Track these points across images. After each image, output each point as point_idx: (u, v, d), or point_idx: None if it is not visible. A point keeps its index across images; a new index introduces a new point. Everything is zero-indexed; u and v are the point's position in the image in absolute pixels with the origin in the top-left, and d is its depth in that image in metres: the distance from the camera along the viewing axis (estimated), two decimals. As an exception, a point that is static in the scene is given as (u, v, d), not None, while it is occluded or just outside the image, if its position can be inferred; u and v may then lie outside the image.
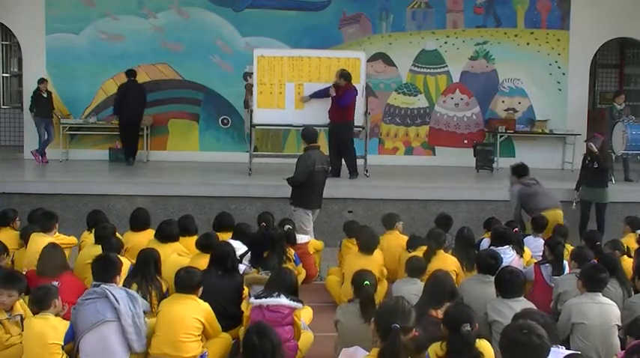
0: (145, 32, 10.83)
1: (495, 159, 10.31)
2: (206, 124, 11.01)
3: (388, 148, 11.24)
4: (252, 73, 9.42)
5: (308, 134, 6.98)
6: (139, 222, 5.93)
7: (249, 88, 10.07)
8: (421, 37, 11.14)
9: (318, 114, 8.92)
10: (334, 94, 8.78)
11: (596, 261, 4.87)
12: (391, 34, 11.12)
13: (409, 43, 11.12)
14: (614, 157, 9.24)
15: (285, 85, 9.15)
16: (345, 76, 8.77)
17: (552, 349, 2.98)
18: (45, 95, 10.16)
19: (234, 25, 10.89)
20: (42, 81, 10.18)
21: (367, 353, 3.30)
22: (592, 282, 4.28)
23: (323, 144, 10.15)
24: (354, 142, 9.05)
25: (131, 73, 10.05)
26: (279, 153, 10.51)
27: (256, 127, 9.42)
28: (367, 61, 9.90)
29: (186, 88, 10.93)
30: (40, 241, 5.16)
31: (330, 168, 8.79)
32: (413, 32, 11.13)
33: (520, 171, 7.42)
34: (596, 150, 7.79)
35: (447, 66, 11.17)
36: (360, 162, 9.12)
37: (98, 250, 4.98)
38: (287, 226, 6.09)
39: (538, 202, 6.94)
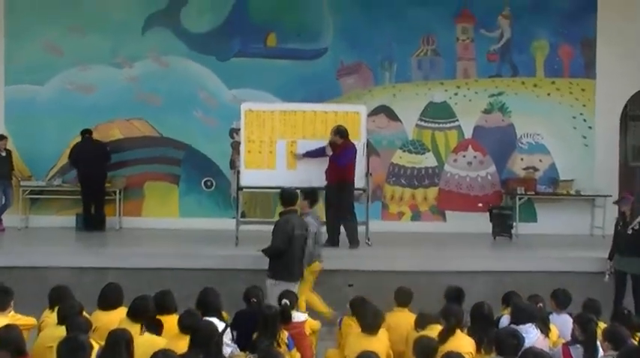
0: (118, 83, 11.05)
1: (514, 224, 10.38)
2: (187, 187, 11.16)
3: (393, 213, 11.35)
4: (239, 130, 9.60)
5: (285, 196, 7.05)
6: (109, 299, 5.85)
7: (235, 146, 10.27)
8: (428, 88, 11.38)
9: (313, 175, 9.04)
10: (331, 153, 8.92)
11: (636, 341, 4.81)
12: (395, 85, 11.38)
13: (415, 94, 11.36)
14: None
15: (277, 143, 9.31)
16: (341, 132, 8.92)
17: None
18: (3, 154, 10.29)
19: (219, 76, 11.14)
20: (0, 138, 10.31)
21: None
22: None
23: (319, 208, 10.25)
24: (354, 207, 9.10)
25: (86, 131, 10.38)
26: (269, 220, 10.30)
27: (244, 190, 9.52)
28: (368, 116, 10.10)
29: (164, 145, 11.11)
30: (-8, 322, 5.07)
31: (327, 236, 8.90)
32: (419, 83, 11.38)
33: None
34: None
35: (457, 120, 11.39)
36: (361, 229, 9.17)
37: (62, 331, 4.89)
38: (284, 301, 6.04)
39: None
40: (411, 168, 11.39)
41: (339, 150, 8.88)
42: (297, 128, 9.38)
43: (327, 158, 8.97)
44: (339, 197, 8.91)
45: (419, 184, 11.39)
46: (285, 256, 6.80)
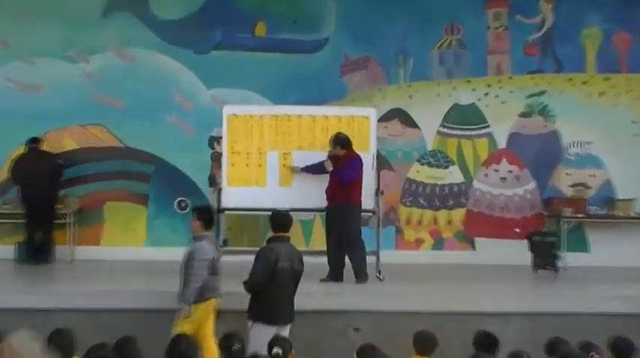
0: (72, 81, 11.11)
1: (560, 254, 10.40)
2: (157, 209, 11.22)
3: (409, 240, 11.40)
4: (220, 138, 9.71)
5: (276, 220, 7.06)
6: (58, 348, 5.67)
7: (216, 159, 10.39)
8: (453, 87, 11.48)
9: (311, 193, 9.14)
10: (331, 168, 8.98)
11: None
12: (411, 84, 11.45)
13: (436, 95, 11.44)
14: None
15: (267, 155, 9.46)
16: (341, 142, 8.99)
17: None
18: None
19: (197, 73, 11.22)
20: None
21: None
22: None
23: (319, 234, 10.30)
24: (361, 233, 9.11)
25: (33, 141, 10.37)
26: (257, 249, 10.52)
27: (226, 213, 9.55)
28: (379, 121, 10.14)
29: (129, 158, 11.16)
30: None
31: (329, 269, 8.95)
32: (441, 81, 11.47)
33: None
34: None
35: (488, 126, 11.45)
36: (370, 260, 9.19)
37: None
38: (276, 350, 5.99)
39: None
40: (431, 185, 11.45)
41: (341, 164, 8.95)
42: (292, 136, 9.49)
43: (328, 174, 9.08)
44: (344, 221, 8.94)
45: (441, 205, 11.46)
46: (267, 292, 6.76)
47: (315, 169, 9.15)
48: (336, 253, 9.05)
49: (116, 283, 9.23)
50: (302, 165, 9.33)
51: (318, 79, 11.19)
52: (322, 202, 9.07)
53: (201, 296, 6.95)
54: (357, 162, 9.01)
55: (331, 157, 9.01)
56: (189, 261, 6.97)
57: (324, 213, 9.16)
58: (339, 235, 9.00)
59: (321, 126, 9.50)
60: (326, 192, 9.04)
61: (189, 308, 6.89)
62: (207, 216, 7.28)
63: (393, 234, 11.28)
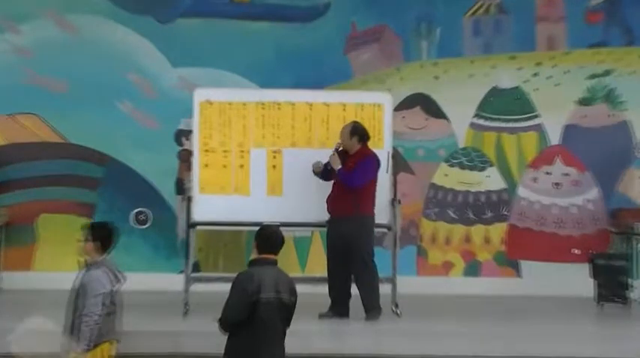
0: (-2, 58, 11.15)
1: (632, 283, 10.34)
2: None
3: (435, 264, 11.48)
4: (190, 132, 9.77)
5: (261, 238, 6.86)
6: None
7: (185, 158, 10.52)
8: (491, 65, 11.57)
9: (309, 204, 9.23)
10: (339, 167, 8.93)
11: None
12: (437, 62, 11.56)
13: (469, 76, 11.56)
14: None
15: (250, 153, 9.53)
16: (360, 133, 9.01)
17: None
18: None
19: (160, 47, 11.33)
20: None
21: None
22: None
23: (318, 256, 10.41)
24: (374, 255, 9.07)
25: None
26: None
27: (198, 228, 9.60)
28: (396, 110, 10.22)
29: (72, 157, 11.23)
30: None
31: (330, 301, 9.01)
32: (476, 58, 11.60)
33: None
34: None
35: (537, 116, 11.51)
36: (384, 289, 9.17)
37: None
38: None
39: None
40: (463, 192, 11.52)
41: (352, 162, 8.93)
42: (284, 129, 9.55)
43: (331, 176, 9.10)
44: (352, 239, 8.93)
45: (476, 218, 11.52)
46: (247, 332, 6.62)
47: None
48: (341, 280, 9.03)
49: (54, 319, 9.10)
50: (295, 162, 9.43)
51: (317, 56, 11.31)
52: (322, 215, 9.09)
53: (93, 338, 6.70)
54: (374, 162, 9.05)
55: (339, 152, 9.02)
56: (79, 296, 6.76)
57: (326, 228, 9.15)
58: (345, 257, 8.98)
59: (321, 117, 9.55)
60: (328, 201, 9.06)
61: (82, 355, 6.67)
62: (104, 235, 7.06)
63: (414, 256, 11.37)
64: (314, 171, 9.18)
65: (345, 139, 9.02)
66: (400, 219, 9.83)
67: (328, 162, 9.06)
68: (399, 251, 9.76)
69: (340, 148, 9.00)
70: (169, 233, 11.09)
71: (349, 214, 8.91)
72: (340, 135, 9.05)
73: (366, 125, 9.19)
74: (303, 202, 9.31)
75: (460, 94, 11.44)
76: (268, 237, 6.89)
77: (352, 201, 8.91)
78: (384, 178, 9.32)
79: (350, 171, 8.89)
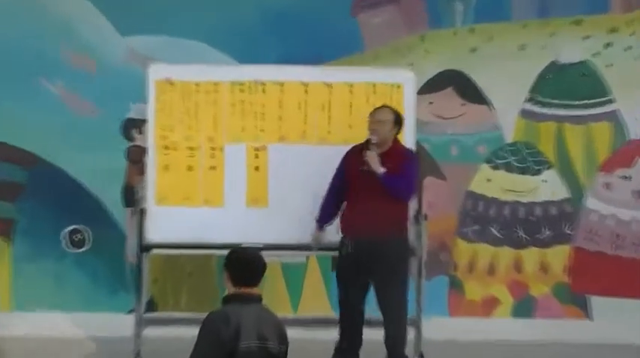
0: None
1: None
2: (31, 245, 11.24)
3: (473, 300, 11.45)
4: (143, 123, 9.85)
5: (235, 265, 6.70)
6: None
7: (135, 158, 10.65)
8: (549, 32, 11.51)
9: (302, 218, 9.26)
10: (381, 171, 8.78)
11: None
12: (476, 29, 11.53)
13: (519, 48, 11.48)
14: None
15: (224, 151, 9.58)
16: (401, 122, 9.01)
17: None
18: None
19: (104, 10, 11.30)
20: None
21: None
22: None
23: (316, 290, 10.67)
24: (407, 285, 9.14)
25: None
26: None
27: (154, 252, 9.65)
28: (420, 93, 10.30)
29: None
30: None
31: (338, 352, 9.01)
32: (528, 22, 11.53)
33: None
34: None
35: (611, 100, 11.47)
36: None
37: None
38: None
39: None
40: (511, 203, 11.43)
41: (394, 164, 8.84)
42: (270, 119, 9.58)
43: (352, 179, 9.00)
44: (389, 268, 8.93)
45: (530, 239, 11.39)
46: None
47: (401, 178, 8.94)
48: (357, 325, 9.03)
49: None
50: (286, 159, 9.48)
51: (315, 21, 11.31)
52: (330, 234, 9.18)
53: None
54: (418, 163, 9.22)
55: (373, 145, 8.88)
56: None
57: (337, 252, 9.08)
58: (365, 294, 9.05)
59: (320, 102, 9.57)
60: (351, 217, 9.00)
61: None
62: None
63: (446, 290, 11.35)
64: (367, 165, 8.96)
65: (383, 130, 8.93)
66: (427, 240, 9.72)
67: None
68: (426, 283, 9.72)
69: (375, 139, 8.92)
70: (115, 258, 11.15)
71: (393, 236, 8.92)
72: (373, 123, 8.95)
73: None
74: (295, 217, 9.32)
75: (507, 72, 11.40)
76: (246, 264, 6.73)
77: (396, 217, 8.96)
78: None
79: (399, 178, 8.88)
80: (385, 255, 8.85)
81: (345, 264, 9.06)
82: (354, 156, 8.98)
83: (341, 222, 9.12)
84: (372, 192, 8.83)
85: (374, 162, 8.75)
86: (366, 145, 8.90)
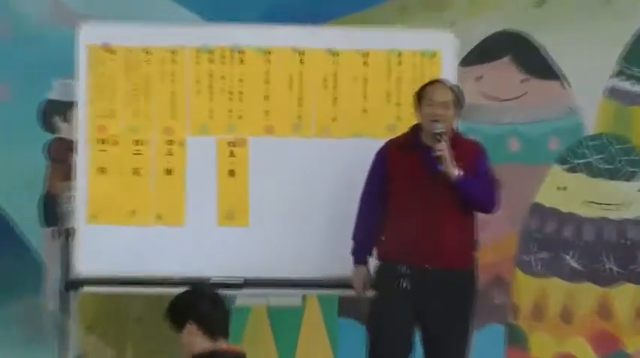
0: None
1: None
2: None
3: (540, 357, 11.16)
4: (70, 106, 9.74)
5: (205, 306, 6.77)
6: None
7: (59, 156, 10.53)
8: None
9: (297, 242, 9.23)
10: (457, 173, 8.66)
11: None
12: None
13: (603, 2, 11.19)
14: None
15: (187, 146, 9.43)
16: (457, 97, 8.83)
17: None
18: None
19: None
20: None
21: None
22: None
23: (315, 344, 11.03)
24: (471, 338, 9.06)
25: None
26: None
27: (85, 290, 9.50)
28: (464, 64, 10.33)
29: None
30: None
31: None
32: None
33: None
34: None
35: None
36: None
37: None
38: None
39: None
40: (596, 221, 11.14)
41: (467, 163, 8.72)
42: (251, 100, 9.44)
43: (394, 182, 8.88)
44: (457, 309, 8.84)
45: (622, 272, 11.10)
46: None
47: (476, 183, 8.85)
48: None
49: None
50: (272, 155, 9.35)
51: None
52: (331, 263, 9.11)
53: None
54: (485, 156, 9.06)
55: (439, 136, 8.67)
56: None
57: (386, 286, 8.79)
58: (411, 344, 8.96)
59: (322, 76, 9.37)
60: (414, 236, 8.70)
61: None
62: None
63: (502, 342, 11.17)
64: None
65: (449, 115, 8.82)
66: (477, 270, 9.40)
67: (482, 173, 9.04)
68: (477, 332, 9.54)
69: (441, 130, 8.75)
70: (30, 298, 10.92)
71: (461, 266, 8.84)
72: (435, 107, 8.74)
73: (412, 91, 8.98)
74: (287, 240, 9.25)
75: (587, 34, 11.10)
76: (220, 306, 6.87)
77: (465, 238, 8.90)
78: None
79: (480, 181, 8.91)
80: (450, 293, 8.75)
81: (392, 304, 8.84)
82: (401, 155, 8.82)
83: (384, 245, 8.85)
84: (433, 202, 8.74)
85: (448, 161, 8.62)
86: (414, 138, 8.79)
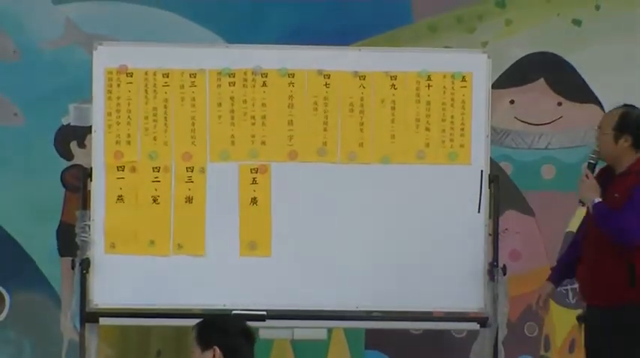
0: None
1: None
2: None
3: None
4: (84, 131, 10.14)
5: (235, 335, 6.63)
6: None
7: (76, 183, 10.43)
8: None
9: (324, 273, 9.17)
10: (598, 201, 8.58)
11: None
12: None
13: None
14: None
15: (207, 173, 9.32)
16: (622, 121, 8.63)
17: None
18: None
19: None
20: None
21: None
22: None
23: None
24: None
25: None
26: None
27: (103, 321, 9.34)
28: (496, 87, 10.22)
29: None
30: None
31: None
32: None
33: None
34: None
35: None
36: None
37: None
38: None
39: None
40: None
41: (623, 192, 8.54)
42: (274, 125, 9.34)
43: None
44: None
45: None
46: None
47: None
48: None
49: None
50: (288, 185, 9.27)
51: None
52: (357, 294, 9.09)
53: None
54: None
55: (602, 173, 8.74)
56: None
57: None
58: None
59: (349, 100, 9.27)
60: (582, 273, 8.88)
61: None
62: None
63: None
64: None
65: (602, 141, 8.76)
66: (507, 305, 9.39)
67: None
68: None
69: (596, 161, 8.79)
70: (46, 331, 11.00)
71: (623, 300, 8.62)
72: (600, 132, 8.87)
73: (442, 115, 9.18)
74: (312, 270, 9.18)
75: (628, 55, 11.13)
76: (249, 335, 6.66)
77: (626, 271, 8.60)
78: (471, 222, 9.32)
79: (622, 211, 8.54)
80: (611, 333, 8.60)
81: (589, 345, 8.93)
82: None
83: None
84: (596, 236, 8.67)
85: (587, 189, 8.61)
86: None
